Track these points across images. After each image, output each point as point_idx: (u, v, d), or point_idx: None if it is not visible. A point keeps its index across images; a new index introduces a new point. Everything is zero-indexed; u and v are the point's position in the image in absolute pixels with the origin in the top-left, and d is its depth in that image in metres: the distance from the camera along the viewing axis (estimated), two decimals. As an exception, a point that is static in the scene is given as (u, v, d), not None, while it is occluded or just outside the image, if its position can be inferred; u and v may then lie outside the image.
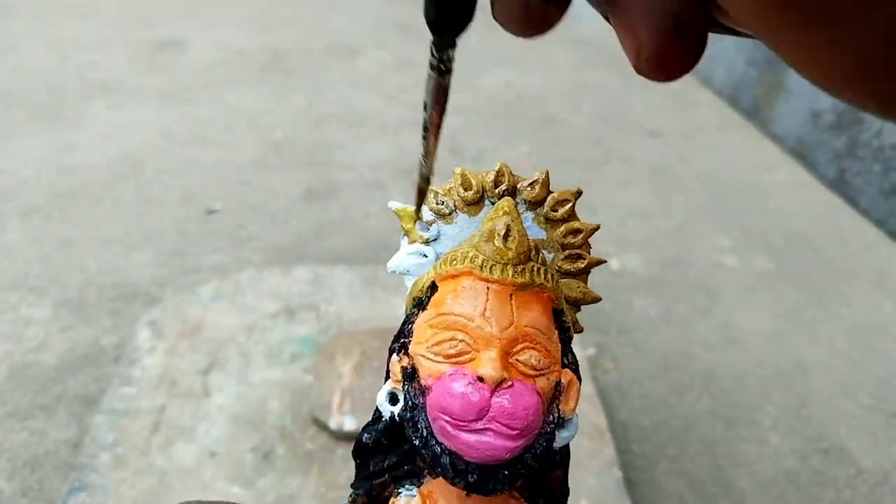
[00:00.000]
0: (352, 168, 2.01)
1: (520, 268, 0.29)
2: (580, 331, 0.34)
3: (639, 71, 0.17)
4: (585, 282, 0.33)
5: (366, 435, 0.31)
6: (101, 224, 1.67)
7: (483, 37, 3.28)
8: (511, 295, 0.29)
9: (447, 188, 0.33)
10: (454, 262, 0.30)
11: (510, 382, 0.27)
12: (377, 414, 0.31)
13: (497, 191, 0.32)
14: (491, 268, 0.28)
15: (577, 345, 1.11)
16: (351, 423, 1.00)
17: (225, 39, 2.91)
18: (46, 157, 1.94)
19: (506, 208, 0.30)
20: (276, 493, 0.94)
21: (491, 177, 0.32)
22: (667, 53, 0.16)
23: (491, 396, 0.27)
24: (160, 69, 2.59)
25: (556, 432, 0.29)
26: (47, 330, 1.32)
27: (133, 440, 0.98)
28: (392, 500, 0.31)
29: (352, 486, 0.32)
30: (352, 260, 1.56)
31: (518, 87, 2.68)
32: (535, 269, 0.30)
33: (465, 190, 0.32)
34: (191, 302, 1.24)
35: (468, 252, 0.30)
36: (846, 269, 1.72)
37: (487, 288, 0.28)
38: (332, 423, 1.01)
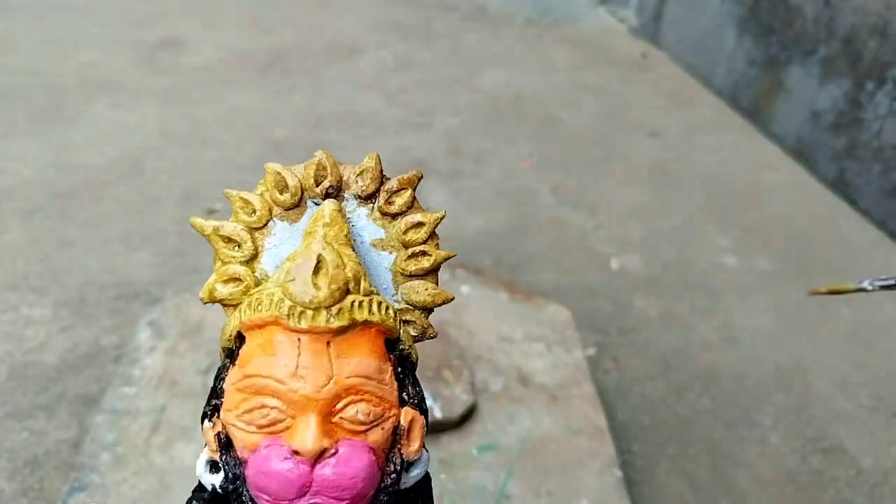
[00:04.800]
0: (352, 168, 2.01)
1: (335, 309, 0.24)
2: (434, 336, 0.30)
3: None
4: (435, 281, 0.29)
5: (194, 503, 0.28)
6: (101, 224, 1.67)
7: (483, 37, 3.28)
8: (329, 343, 0.24)
9: (259, 192, 0.28)
10: (259, 308, 0.25)
11: (334, 449, 0.24)
12: (198, 484, 0.28)
13: (319, 189, 0.28)
14: (300, 315, 0.24)
15: (577, 345, 1.10)
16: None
17: (225, 39, 2.91)
18: (47, 156, 1.94)
19: (326, 220, 0.26)
20: (277, 493, 0.94)
21: (311, 171, 0.28)
22: None
23: (312, 469, 0.24)
24: (160, 69, 2.60)
25: (403, 475, 0.26)
26: (48, 330, 1.32)
27: (133, 440, 0.98)
28: None
29: None
30: (352, 260, 1.56)
31: (518, 87, 2.67)
32: (357, 303, 0.25)
33: (281, 193, 0.27)
34: (191, 302, 1.24)
35: (273, 293, 0.25)
36: (846, 269, 1.72)
37: (299, 339, 0.24)
38: (333, 423, 1.01)
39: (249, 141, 2.12)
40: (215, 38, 2.91)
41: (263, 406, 0.24)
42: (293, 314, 0.24)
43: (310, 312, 0.24)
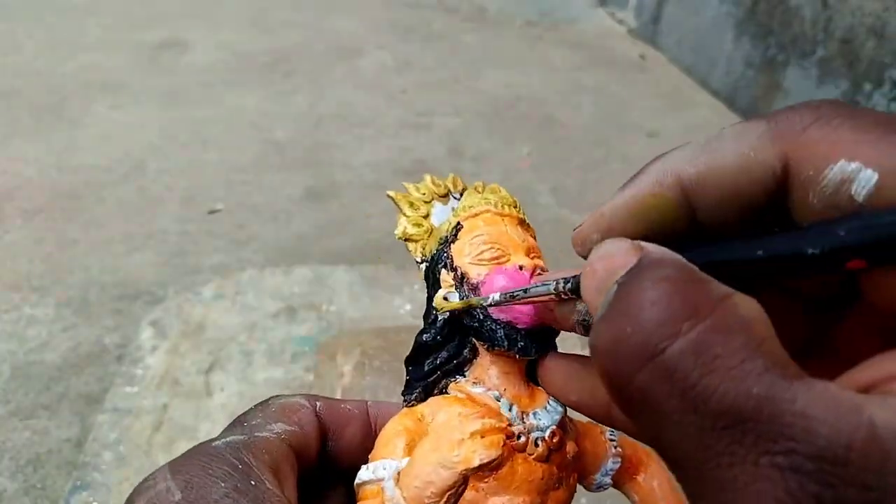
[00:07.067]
0: (352, 168, 2.01)
1: (517, 209, 0.40)
2: None
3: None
4: None
5: (426, 335, 0.37)
6: (103, 224, 1.67)
7: (483, 38, 3.30)
8: (518, 224, 0.39)
9: (422, 186, 0.43)
10: (472, 208, 0.40)
11: (539, 271, 0.37)
12: (433, 316, 0.37)
13: (456, 189, 0.44)
14: (502, 206, 0.40)
15: (576, 343, 1.11)
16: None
17: (226, 41, 2.92)
18: (48, 157, 1.95)
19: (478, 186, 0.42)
20: (278, 491, 0.95)
21: (449, 181, 0.44)
22: None
23: (530, 278, 0.36)
24: (162, 70, 2.60)
25: None
26: (50, 329, 1.33)
27: (135, 439, 0.99)
28: (452, 384, 0.37)
29: (402, 393, 0.38)
30: (352, 260, 1.56)
31: (518, 88, 2.68)
32: (522, 212, 0.41)
33: (436, 186, 0.42)
34: (193, 302, 1.25)
35: (479, 200, 0.40)
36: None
37: (503, 219, 0.39)
38: (333, 422, 1.01)
39: (250, 141, 2.13)
40: (216, 40, 2.92)
41: (491, 248, 0.37)
42: (498, 206, 0.40)
43: (506, 207, 0.40)
